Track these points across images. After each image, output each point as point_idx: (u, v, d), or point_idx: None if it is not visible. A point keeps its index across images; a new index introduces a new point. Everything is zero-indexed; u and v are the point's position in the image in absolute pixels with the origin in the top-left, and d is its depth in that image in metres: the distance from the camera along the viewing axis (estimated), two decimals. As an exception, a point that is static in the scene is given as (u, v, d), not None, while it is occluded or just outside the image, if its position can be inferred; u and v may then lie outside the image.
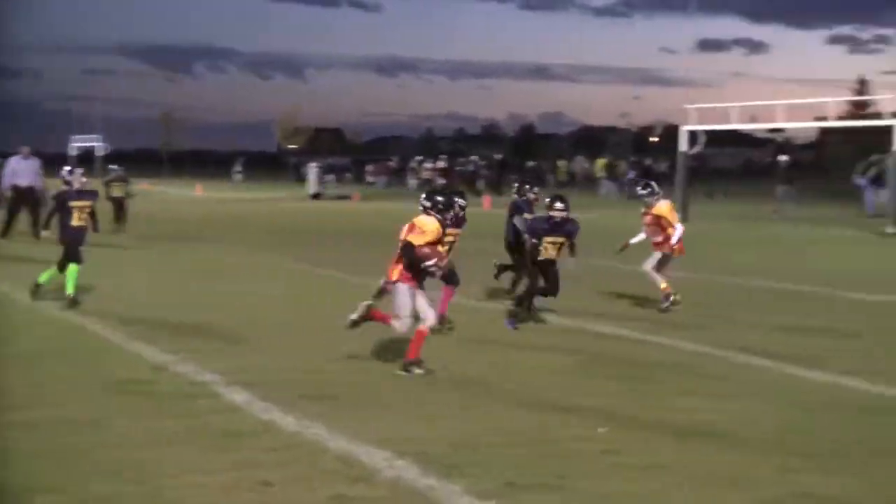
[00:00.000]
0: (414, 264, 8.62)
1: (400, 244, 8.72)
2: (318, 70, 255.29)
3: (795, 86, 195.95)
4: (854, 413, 7.63)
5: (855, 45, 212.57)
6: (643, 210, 13.10)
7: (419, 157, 60.81)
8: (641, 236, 13.06)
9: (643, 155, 64.58)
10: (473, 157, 59.33)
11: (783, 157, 38.53)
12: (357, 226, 28.23)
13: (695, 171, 35.50)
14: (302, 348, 9.75)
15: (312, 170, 45.94)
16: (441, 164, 54.88)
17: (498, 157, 59.99)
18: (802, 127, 68.01)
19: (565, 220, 11.22)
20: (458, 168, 53.72)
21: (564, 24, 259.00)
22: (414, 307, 8.66)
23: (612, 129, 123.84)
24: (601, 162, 53.36)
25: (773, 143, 71.06)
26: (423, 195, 9.26)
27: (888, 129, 26.88)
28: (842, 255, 21.11)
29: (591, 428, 6.98)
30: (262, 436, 6.70)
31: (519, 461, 6.20)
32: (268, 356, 9.35)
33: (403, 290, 8.65)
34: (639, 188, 13.45)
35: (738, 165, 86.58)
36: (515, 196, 13.35)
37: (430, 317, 8.73)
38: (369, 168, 65.53)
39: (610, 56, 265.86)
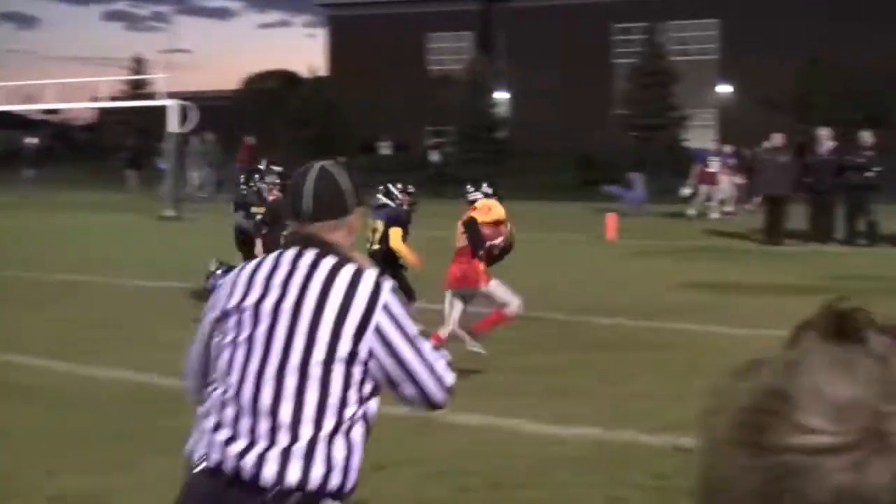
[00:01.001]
0: (479, 245, 8.32)
1: (462, 224, 8.48)
2: None
3: (75, 64, 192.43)
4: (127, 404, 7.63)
5: (132, 21, 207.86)
6: None
7: None
8: None
9: None
10: None
11: (30, 140, 36.88)
12: None
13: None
14: None
15: None
16: None
17: None
18: (75, 107, 67.38)
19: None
20: None
21: None
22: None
23: None
24: None
25: (49, 124, 69.24)
26: (486, 182, 9.14)
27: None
28: (122, 240, 20.60)
29: None
30: None
31: None
32: None
33: (496, 284, 8.55)
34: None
35: (8, 150, 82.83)
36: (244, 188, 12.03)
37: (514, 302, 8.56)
38: None
39: None
